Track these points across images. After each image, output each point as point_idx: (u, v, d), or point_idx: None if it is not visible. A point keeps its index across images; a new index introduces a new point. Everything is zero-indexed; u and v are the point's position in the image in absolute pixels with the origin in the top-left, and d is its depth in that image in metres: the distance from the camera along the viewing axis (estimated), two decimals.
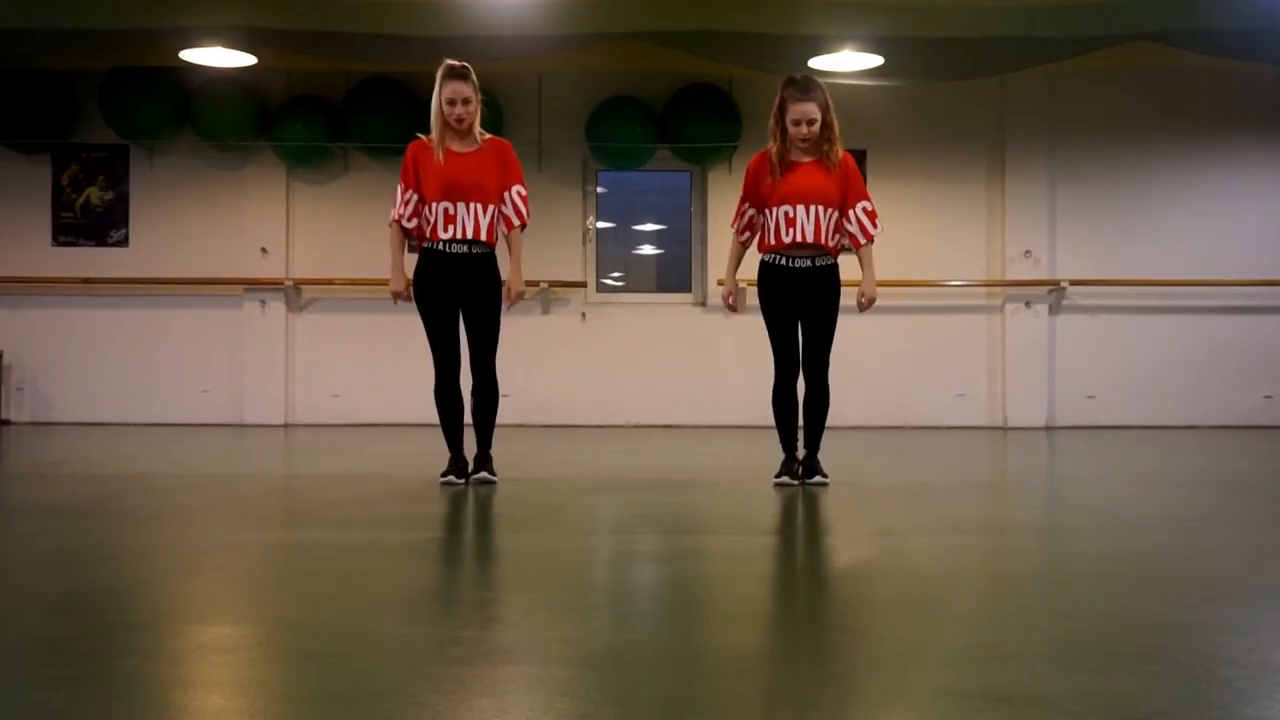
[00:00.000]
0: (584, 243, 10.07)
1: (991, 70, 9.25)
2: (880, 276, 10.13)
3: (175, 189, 9.96)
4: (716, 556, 3.73)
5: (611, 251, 10.78)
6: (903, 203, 9.92)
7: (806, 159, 5.13)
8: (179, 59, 8.74)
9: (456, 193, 5.06)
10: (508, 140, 5.36)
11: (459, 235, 5.08)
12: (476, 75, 5.12)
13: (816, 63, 8.45)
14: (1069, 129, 9.94)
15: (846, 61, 8.41)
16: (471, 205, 5.06)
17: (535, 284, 9.77)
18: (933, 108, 9.82)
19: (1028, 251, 9.87)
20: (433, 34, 7.88)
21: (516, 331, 9.96)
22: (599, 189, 10.25)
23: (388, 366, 9.66)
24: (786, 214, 5.07)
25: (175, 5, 7.79)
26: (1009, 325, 9.91)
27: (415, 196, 5.14)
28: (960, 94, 9.75)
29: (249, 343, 9.91)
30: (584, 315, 10.02)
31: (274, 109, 9.69)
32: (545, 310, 9.95)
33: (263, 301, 9.91)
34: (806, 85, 5.08)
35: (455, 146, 5.12)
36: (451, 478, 5.16)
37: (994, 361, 9.94)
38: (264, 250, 9.86)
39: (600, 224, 10.28)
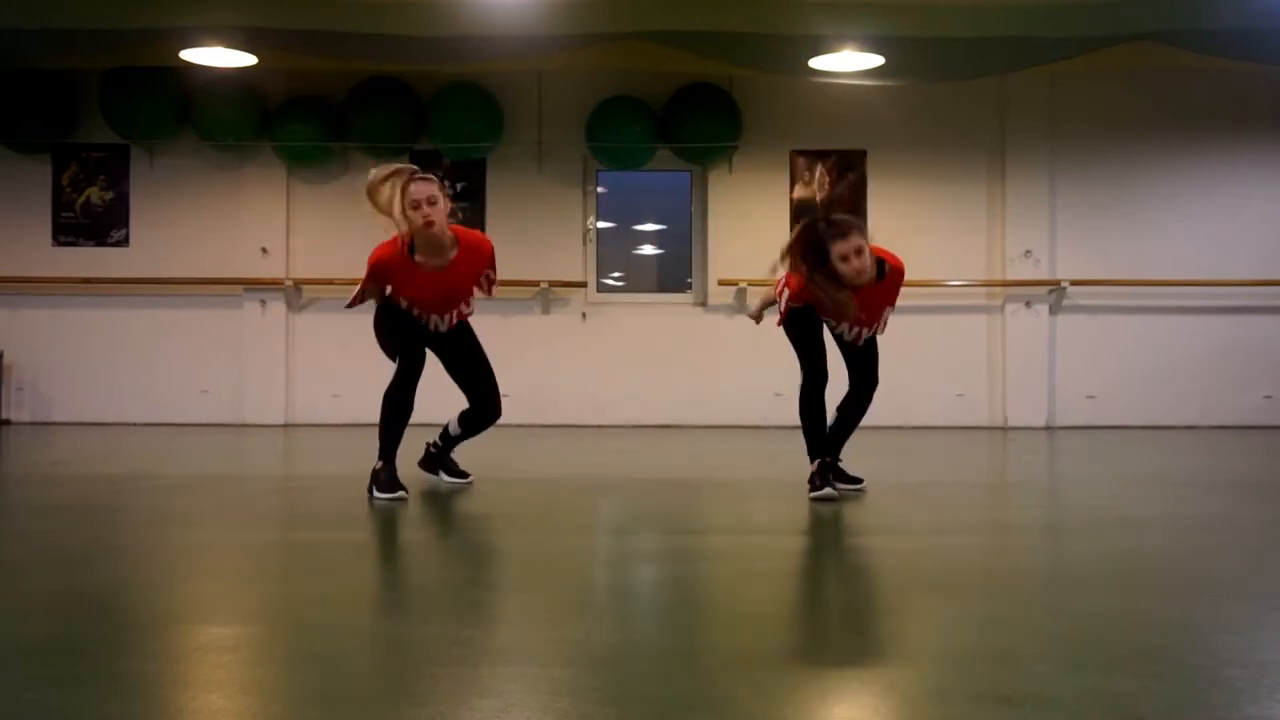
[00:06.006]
0: (584, 243, 10.06)
1: (992, 70, 9.24)
2: None
3: (175, 189, 9.96)
4: (716, 556, 3.73)
5: (612, 251, 10.79)
6: (903, 203, 9.93)
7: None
8: (179, 59, 8.74)
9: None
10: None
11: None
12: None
13: (817, 63, 8.45)
14: (1069, 129, 9.94)
15: (846, 61, 8.41)
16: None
17: (535, 284, 9.77)
18: (933, 108, 9.82)
19: (1028, 251, 9.86)
20: (433, 34, 7.88)
21: (517, 331, 9.99)
22: (599, 189, 10.25)
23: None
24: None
25: (175, 5, 7.78)
26: (1009, 325, 9.90)
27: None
28: (960, 94, 9.75)
29: (249, 343, 9.91)
30: (584, 315, 10.01)
31: (274, 109, 9.68)
32: (545, 310, 9.95)
33: (263, 301, 9.91)
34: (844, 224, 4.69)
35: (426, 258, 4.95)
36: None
37: (994, 361, 9.94)
38: (264, 250, 9.86)
39: (600, 224, 10.27)
